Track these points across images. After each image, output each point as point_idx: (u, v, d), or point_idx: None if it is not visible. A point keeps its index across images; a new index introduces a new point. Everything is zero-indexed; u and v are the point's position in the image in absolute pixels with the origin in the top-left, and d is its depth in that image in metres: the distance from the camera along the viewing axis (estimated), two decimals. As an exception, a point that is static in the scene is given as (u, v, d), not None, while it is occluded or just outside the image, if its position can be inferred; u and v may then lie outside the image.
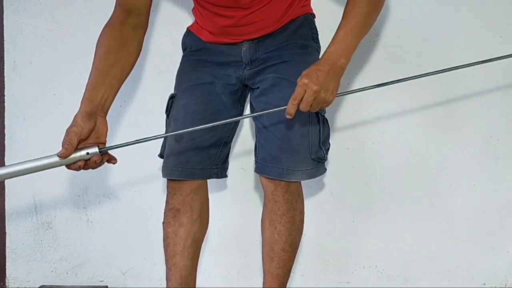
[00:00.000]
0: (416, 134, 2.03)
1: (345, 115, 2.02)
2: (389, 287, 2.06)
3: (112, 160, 1.25)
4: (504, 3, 1.99)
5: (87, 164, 1.20)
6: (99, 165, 1.22)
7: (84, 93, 1.24)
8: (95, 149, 1.18)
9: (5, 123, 2.04)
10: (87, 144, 1.21)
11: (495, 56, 1.98)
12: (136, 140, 1.23)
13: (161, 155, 1.57)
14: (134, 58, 1.36)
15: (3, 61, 2.03)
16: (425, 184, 2.04)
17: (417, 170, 2.03)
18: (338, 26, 1.31)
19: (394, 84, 1.98)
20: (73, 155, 1.17)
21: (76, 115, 1.21)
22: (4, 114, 2.04)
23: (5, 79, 2.03)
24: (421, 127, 2.01)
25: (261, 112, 1.41)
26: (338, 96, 1.31)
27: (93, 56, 1.30)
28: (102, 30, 1.34)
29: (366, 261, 2.06)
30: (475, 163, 2.03)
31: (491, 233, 2.05)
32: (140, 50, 1.38)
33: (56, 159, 1.16)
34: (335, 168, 2.02)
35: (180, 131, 1.36)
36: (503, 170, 2.03)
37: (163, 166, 1.54)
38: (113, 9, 1.37)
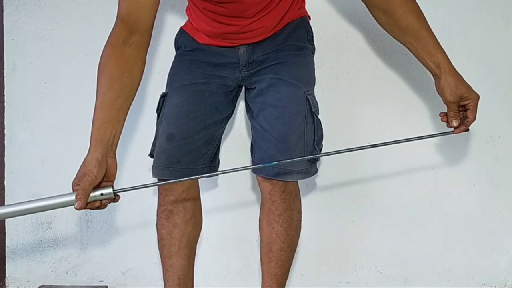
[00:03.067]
0: (416, 134, 2.02)
1: (345, 115, 2.02)
2: (389, 287, 2.06)
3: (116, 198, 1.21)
4: (504, 3, 1.99)
5: (101, 203, 1.16)
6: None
7: (92, 131, 1.18)
8: (109, 190, 1.14)
9: (5, 123, 2.04)
10: (99, 185, 1.17)
11: (496, 59, 2.00)
12: (153, 183, 1.23)
13: (151, 154, 1.55)
14: (137, 82, 1.28)
15: (3, 61, 2.02)
16: (425, 184, 2.03)
17: (417, 170, 2.03)
18: (416, 33, 1.35)
19: (393, 82, 2.01)
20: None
21: (86, 159, 1.14)
22: (4, 114, 2.04)
23: (5, 79, 2.03)
24: (421, 127, 2.01)
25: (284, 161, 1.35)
26: (325, 155, 1.32)
27: (96, 82, 1.22)
28: (104, 50, 1.25)
29: (366, 261, 2.06)
30: (475, 163, 2.03)
31: (491, 233, 2.05)
32: (143, 70, 1.30)
33: (72, 197, 1.11)
34: (335, 168, 2.02)
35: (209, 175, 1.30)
36: (503, 170, 2.03)
37: (153, 166, 1.51)
38: (115, 10, 1.26)
